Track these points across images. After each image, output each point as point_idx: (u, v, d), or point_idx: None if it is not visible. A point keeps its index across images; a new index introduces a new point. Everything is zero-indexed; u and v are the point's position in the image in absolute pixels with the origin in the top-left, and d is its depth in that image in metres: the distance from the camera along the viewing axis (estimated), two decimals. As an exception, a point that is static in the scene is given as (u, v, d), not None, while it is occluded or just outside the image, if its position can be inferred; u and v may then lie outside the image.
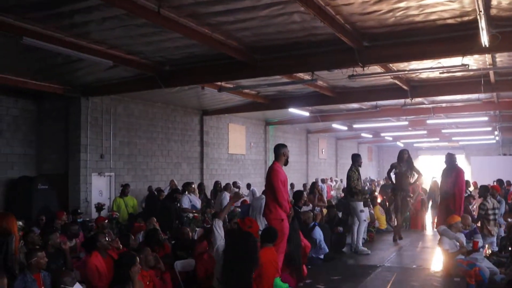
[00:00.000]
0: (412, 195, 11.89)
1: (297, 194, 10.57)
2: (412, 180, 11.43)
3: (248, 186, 17.21)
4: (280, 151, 7.44)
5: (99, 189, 13.85)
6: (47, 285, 5.85)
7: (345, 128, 23.47)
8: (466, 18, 7.87)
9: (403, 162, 11.19)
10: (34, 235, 7.51)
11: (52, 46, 8.59)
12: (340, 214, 12.16)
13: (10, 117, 13.03)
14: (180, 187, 13.42)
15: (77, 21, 7.94)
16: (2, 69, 10.78)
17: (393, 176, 11.54)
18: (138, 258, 5.69)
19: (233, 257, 5.70)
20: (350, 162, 10.85)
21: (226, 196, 13.35)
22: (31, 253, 5.99)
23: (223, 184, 15.22)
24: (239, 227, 6.89)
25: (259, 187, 17.46)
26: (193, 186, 13.48)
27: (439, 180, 11.97)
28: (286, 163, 7.43)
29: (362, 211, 10.39)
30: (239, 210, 11.81)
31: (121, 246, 7.36)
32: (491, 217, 9.74)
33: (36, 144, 13.73)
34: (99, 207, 12.13)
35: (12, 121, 13.06)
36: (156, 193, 12.82)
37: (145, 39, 9.02)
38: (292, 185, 18.70)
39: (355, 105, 17.81)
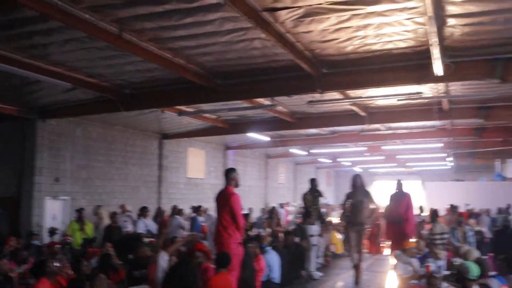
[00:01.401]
0: (368, 227, 10.79)
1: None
2: (369, 212, 10.17)
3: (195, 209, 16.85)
4: (231, 175, 7.48)
5: (53, 213, 13.46)
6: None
7: (304, 153, 23.69)
8: (421, 48, 8.11)
9: (358, 190, 10.07)
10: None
11: (8, 67, 8.42)
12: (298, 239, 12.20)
13: (-38, 139, 12.65)
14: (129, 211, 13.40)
15: (36, 42, 7.83)
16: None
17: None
18: (87, 284, 5.60)
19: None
20: (309, 186, 10.95)
21: (179, 219, 13.24)
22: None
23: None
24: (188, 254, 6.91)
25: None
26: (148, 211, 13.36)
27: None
28: (236, 186, 7.48)
29: (311, 235, 10.42)
30: (199, 234, 11.72)
31: (72, 272, 7.19)
32: (438, 241, 9.98)
33: (-12, 166, 13.32)
34: (52, 232, 11.84)
35: (-35, 142, 12.67)
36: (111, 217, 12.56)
37: (106, 62, 8.96)
38: (250, 209, 18.69)
39: (313, 131, 18.03)
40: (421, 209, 17.07)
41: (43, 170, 13.11)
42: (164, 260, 6.25)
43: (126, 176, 16.22)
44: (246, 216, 11.02)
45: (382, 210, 15.84)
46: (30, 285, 6.99)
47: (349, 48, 8.29)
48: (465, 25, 7.14)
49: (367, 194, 10.04)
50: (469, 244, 10.78)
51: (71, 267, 7.75)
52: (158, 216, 14.57)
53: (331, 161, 29.23)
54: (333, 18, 6.87)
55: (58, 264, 6.99)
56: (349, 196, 10.13)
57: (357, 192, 9.94)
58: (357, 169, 35.90)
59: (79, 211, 12.32)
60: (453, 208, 16.09)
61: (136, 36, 7.53)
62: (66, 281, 6.53)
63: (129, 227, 12.96)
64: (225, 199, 7.30)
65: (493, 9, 6.54)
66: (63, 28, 7.11)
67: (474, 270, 6.01)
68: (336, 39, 7.79)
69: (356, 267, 9.92)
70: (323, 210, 12.63)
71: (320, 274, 10.33)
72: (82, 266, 7.66)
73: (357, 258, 9.95)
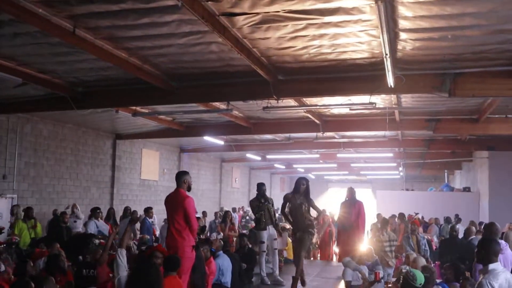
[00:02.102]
0: (315, 231, 9.79)
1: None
2: (310, 216, 9.21)
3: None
4: (183, 178, 7.43)
5: (-1, 211, 13.07)
6: None
7: (258, 158, 23.77)
8: (374, 60, 8.28)
9: (299, 193, 9.04)
10: None
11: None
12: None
13: None
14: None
15: (-16, 34, 7.59)
16: None
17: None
18: (29, 285, 5.45)
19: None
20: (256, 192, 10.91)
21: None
22: None
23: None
24: (145, 256, 6.80)
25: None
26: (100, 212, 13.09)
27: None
28: (189, 190, 7.43)
29: (262, 241, 10.37)
30: (148, 237, 11.58)
31: (12, 277, 6.96)
32: (387, 248, 10.17)
33: None
34: (-4, 231, 11.47)
35: None
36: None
37: (58, 59, 8.73)
38: (204, 213, 18.61)
39: (269, 136, 18.12)
40: (378, 218, 17.35)
41: (-12, 167, 12.71)
42: (123, 255, 6.13)
43: (77, 176, 15.90)
44: (198, 219, 10.93)
45: (334, 217, 16.10)
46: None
47: (305, 57, 8.38)
48: (416, 39, 7.34)
49: (308, 199, 8.99)
50: (423, 251, 11.03)
51: (16, 268, 7.54)
52: (110, 217, 14.31)
53: (285, 167, 29.42)
54: (290, 26, 6.94)
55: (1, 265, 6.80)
56: (288, 199, 9.14)
57: (298, 195, 8.97)
58: (311, 176, 36.28)
59: (27, 210, 11.98)
60: (401, 216, 16.43)
61: (90, 34, 7.37)
62: (8, 284, 6.32)
63: (79, 228, 12.71)
64: (178, 202, 7.22)
65: (443, 26, 6.74)
66: (14, 21, 6.86)
67: (420, 277, 6.14)
68: (292, 47, 7.86)
69: (293, 278, 8.95)
70: (277, 215, 12.50)
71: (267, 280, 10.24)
72: (28, 267, 7.45)
73: (297, 266, 8.94)
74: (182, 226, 7.13)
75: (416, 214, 18.06)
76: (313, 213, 9.27)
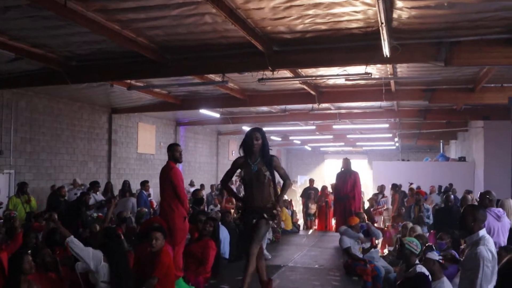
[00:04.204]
0: (279, 210, 6.48)
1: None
2: (273, 189, 6.32)
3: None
4: (171, 149, 7.43)
5: (-4, 187, 13.08)
6: None
7: (255, 130, 23.71)
8: (369, 29, 8.18)
9: (254, 156, 6.24)
10: None
11: None
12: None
13: None
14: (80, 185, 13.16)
15: (-26, 8, 7.46)
16: None
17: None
18: (28, 257, 5.47)
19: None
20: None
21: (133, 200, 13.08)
22: None
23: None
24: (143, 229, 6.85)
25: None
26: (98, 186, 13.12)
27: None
28: (176, 161, 7.41)
29: None
30: (146, 210, 11.60)
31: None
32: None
33: None
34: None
35: None
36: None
37: (51, 32, 8.59)
38: (202, 186, 18.65)
39: (265, 108, 18.06)
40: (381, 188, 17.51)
41: (-15, 143, 12.67)
42: (76, 244, 6.16)
43: (74, 151, 15.87)
44: (197, 191, 10.94)
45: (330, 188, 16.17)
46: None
47: (300, 27, 8.29)
48: (412, 8, 7.24)
49: (269, 163, 6.24)
50: (425, 222, 11.12)
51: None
52: (108, 191, 14.33)
53: (281, 139, 29.40)
54: (284, -4, 6.86)
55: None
56: (238, 165, 6.40)
57: (254, 159, 6.24)
58: (307, 148, 36.33)
59: (21, 185, 12.00)
60: (394, 187, 16.54)
61: (82, 6, 7.25)
62: (6, 256, 6.34)
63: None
64: (166, 174, 7.26)
65: (439, -7, 6.66)
66: (5, -6, 6.79)
67: (420, 246, 6.20)
68: (287, 17, 7.76)
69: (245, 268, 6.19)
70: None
71: (267, 255, 10.22)
72: (29, 239, 7.49)
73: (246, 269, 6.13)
74: (171, 197, 7.18)
75: (411, 184, 18.11)
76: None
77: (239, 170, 6.47)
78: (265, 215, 6.12)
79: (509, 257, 2.00)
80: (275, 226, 11.98)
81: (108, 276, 6.06)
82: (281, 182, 6.56)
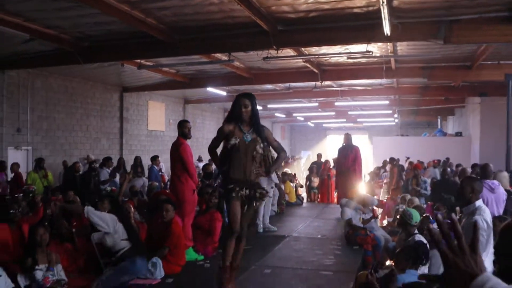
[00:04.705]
0: (265, 190, 5.47)
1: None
2: (263, 162, 5.46)
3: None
4: (181, 126, 7.46)
5: (16, 162, 13.14)
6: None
7: (260, 108, 23.61)
8: (371, 8, 8.11)
9: (244, 123, 5.19)
10: None
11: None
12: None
13: None
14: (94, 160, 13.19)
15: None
16: None
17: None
18: (41, 229, 5.56)
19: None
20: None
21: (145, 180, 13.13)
22: None
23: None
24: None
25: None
26: (111, 161, 13.19)
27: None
28: (185, 137, 7.42)
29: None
30: (156, 184, 11.69)
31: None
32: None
33: None
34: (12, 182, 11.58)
35: None
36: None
37: (62, 14, 8.54)
38: (210, 161, 18.65)
39: (269, 86, 17.98)
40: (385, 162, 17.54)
41: (3, 121, 12.74)
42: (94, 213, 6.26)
43: (87, 128, 15.95)
44: (207, 166, 10.96)
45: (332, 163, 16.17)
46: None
47: (303, 6, 8.21)
48: (412, -14, 7.16)
49: (261, 133, 5.22)
50: (422, 193, 11.15)
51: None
52: (121, 166, 14.41)
53: (285, 116, 29.34)
54: (288, -24, 6.78)
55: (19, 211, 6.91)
56: (226, 132, 5.14)
57: (244, 127, 5.17)
58: (310, 124, 36.25)
59: (38, 161, 12.10)
60: (392, 161, 16.54)
61: (93, -12, 7.22)
62: (27, 227, 6.43)
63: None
64: (175, 149, 7.30)
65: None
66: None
67: (416, 216, 6.23)
68: (291, -4, 7.69)
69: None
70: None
71: (273, 228, 10.16)
72: (46, 212, 7.57)
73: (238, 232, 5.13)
74: (181, 171, 7.23)
75: (408, 158, 18.10)
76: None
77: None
78: (257, 193, 5.16)
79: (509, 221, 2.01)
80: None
81: (125, 233, 6.18)
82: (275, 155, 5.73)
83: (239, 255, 5.32)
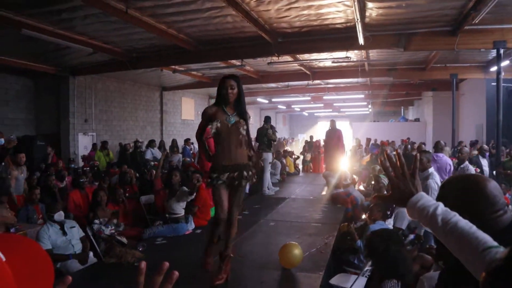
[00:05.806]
0: (252, 170, 3.90)
1: None
2: (250, 144, 3.97)
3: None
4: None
5: (84, 145, 13.31)
6: (43, 214, 5.69)
7: (266, 101, 23.58)
8: (349, 24, 8.04)
9: (228, 105, 3.85)
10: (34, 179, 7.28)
11: (45, 36, 7.98)
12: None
13: (14, 91, 12.21)
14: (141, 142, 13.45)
15: (64, 17, 7.43)
16: (6, 54, 9.95)
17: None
18: (100, 192, 5.67)
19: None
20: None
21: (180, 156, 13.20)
22: (30, 189, 5.79)
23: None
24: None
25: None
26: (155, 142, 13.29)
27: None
28: None
29: (270, 162, 9.98)
30: (188, 159, 11.75)
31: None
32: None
33: (34, 111, 12.93)
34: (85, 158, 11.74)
35: (15, 94, 12.24)
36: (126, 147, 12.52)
37: (116, 32, 8.59)
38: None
39: (273, 84, 17.84)
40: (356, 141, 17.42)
41: (75, 114, 12.84)
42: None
43: (136, 118, 16.01)
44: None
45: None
46: (67, 195, 7.01)
47: (297, 23, 8.16)
48: (379, 8, 7.10)
49: (244, 114, 3.94)
50: None
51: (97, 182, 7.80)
52: (161, 147, 14.53)
53: (286, 107, 29.21)
54: (285, 0, 6.74)
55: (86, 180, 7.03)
56: (209, 115, 3.80)
57: (229, 109, 3.87)
58: (305, 113, 36.00)
59: (103, 143, 12.27)
60: (368, 141, 16.47)
61: (138, 12, 7.23)
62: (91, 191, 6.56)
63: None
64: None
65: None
66: (83, 6, 6.74)
67: (384, 178, 6.25)
68: (288, 16, 7.64)
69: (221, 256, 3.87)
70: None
71: (273, 189, 10.05)
72: (104, 181, 7.70)
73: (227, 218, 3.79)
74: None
75: (375, 140, 18.01)
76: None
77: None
78: (246, 175, 3.77)
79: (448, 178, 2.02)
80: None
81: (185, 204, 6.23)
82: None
83: (229, 242, 3.84)
